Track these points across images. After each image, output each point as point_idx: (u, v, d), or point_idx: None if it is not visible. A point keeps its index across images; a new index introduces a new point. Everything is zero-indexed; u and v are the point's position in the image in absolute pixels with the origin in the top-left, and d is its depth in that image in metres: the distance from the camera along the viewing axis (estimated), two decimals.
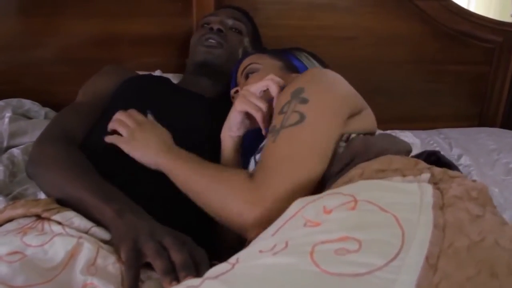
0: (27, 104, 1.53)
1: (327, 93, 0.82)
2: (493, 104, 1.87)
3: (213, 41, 1.29)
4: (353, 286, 0.47)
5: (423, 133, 1.70)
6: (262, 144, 0.95)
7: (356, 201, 0.58)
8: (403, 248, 0.50)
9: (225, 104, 1.20)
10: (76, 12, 1.58)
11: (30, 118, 1.52)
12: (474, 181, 0.65)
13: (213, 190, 0.78)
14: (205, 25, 1.36)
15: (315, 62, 1.16)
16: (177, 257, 0.68)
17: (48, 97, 1.59)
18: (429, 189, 0.61)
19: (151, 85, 1.19)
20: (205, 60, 1.28)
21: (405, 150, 0.83)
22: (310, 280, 0.48)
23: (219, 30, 1.31)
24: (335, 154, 0.78)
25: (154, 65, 1.61)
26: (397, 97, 1.80)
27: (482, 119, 1.89)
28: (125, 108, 1.05)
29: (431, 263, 0.49)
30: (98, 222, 0.78)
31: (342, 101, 0.84)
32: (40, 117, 1.53)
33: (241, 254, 0.56)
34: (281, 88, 0.91)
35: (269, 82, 0.91)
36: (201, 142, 1.04)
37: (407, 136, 1.59)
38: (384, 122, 1.69)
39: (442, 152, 1.53)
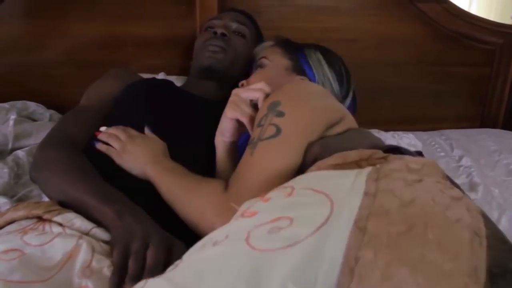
0: (32, 106, 1.54)
1: (302, 107, 0.84)
2: (494, 105, 1.87)
3: (216, 46, 1.29)
4: (284, 256, 0.48)
5: (424, 134, 1.71)
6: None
7: (293, 189, 0.60)
8: (332, 216, 0.51)
9: None
10: (80, 15, 1.59)
11: (35, 120, 1.52)
12: (419, 156, 0.66)
13: (190, 202, 0.81)
14: (209, 29, 1.36)
15: (324, 65, 1.15)
16: (149, 259, 0.71)
17: (53, 99, 1.59)
18: (367, 168, 0.62)
19: (154, 90, 1.19)
20: (210, 65, 1.28)
21: (371, 145, 0.81)
22: (245, 260, 0.49)
23: (223, 35, 1.30)
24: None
25: (158, 67, 1.62)
26: (399, 99, 1.81)
27: (483, 121, 1.89)
28: (128, 112, 1.06)
29: (360, 226, 0.50)
30: (99, 223, 0.79)
31: (318, 114, 0.85)
32: (45, 119, 1.53)
33: (186, 254, 0.58)
34: None
35: (259, 94, 0.92)
36: (202, 146, 1.05)
37: (409, 138, 1.60)
38: (386, 123, 1.71)
39: (442, 153, 1.55)
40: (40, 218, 0.80)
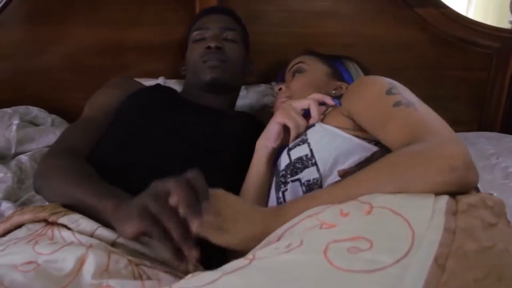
0: (34, 111, 1.55)
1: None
2: (492, 109, 1.88)
3: (215, 61, 1.27)
4: (364, 281, 0.49)
5: None
6: (298, 140, 0.95)
7: (372, 207, 0.60)
8: (412, 248, 0.52)
9: (234, 115, 1.24)
10: (81, 21, 1.61)
11: (37, 125, 1.53)
12: (490, 194, 0.66)
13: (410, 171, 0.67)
14: (200, 41, 1.33)
15: (361, 73, 1.19)
16: (176, 200, 0.64)
17: (55, 104, 1.61)
18: (444, 197, 0.62)
19: (157, 99, 1.20)
20: (212, 80, 1.27)
21: None
22: (324, 275, 0.50)
23: (217, 48, 1.28)
24: None
25: (158, 71, 1.63)
26: None
27: (481, 124, 1.89)
28: (131, 122, 1.07)
29: (440, 263, 0.50)
30: (104, 223, 0.80)
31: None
32: (47, 124, 1.54)
33: (257, 252, 0.58)
34: (323, 103, 0.93)
35: (311, 102, 0.93)
36: (209, 154, 1.05)
37: None
38: None
39: None
40: (46, 221, 0.81)
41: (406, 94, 0.82)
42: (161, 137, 1.05)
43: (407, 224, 0.55)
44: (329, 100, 0.97)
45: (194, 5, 1.62)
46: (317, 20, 1.70)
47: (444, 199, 0.61)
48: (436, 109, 1.80)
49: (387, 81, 0.87)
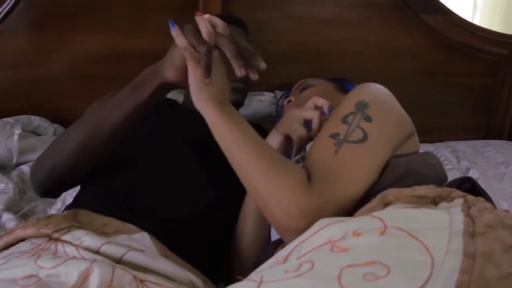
0: (37, 120, 1.54)
1: (389, 115, 0.83)
2: (500, 116, 1.87)
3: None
4: None
5: (430, 146, 1.70)
6: (298, 157, 0.94)
7: (385, 226, 0.58)
8: (432, 275, 0.50)
9: None
10: (84, 29, 1.60)
11: (39, 134, 1.52)
12: (506, 211, 0.64)
13: (268, 178, 0.72)
14: None
15: None
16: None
17: (57, 113, 1.59)
18: (459, 216, 0.60)
19: (157, 112, 1.17)
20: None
21: (441, 178, 0.82)
22: None
23: None
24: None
25: None
26: (405, 110, 1.79)
27: (489, 131, 1.88)
28: (131, 133, 1.05)
29: None
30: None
31: (402, 125, 0.85)
32: (49, 134, 1.53)
33: (265, 273, 0.56)
34: (329, 112, 0.91)
35: (315, 116, 0.91)
36: (218, 159, 1.03)
37: None
38: None
39: (450, 166, 1.54)
40: (50, 237, 0.79)
41: (363, 125, 0.78)
42: (165, 150, 1.02)
43: (425, 249, 0.53)
44: (325, 108, 0.95)
45: None
46: (323, 27, 1.69)
47: (459, 218, 0.59)
48: (444, 116, 1.84)
49: (359, 101, 0.82)
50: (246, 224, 0.94)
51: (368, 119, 0.79)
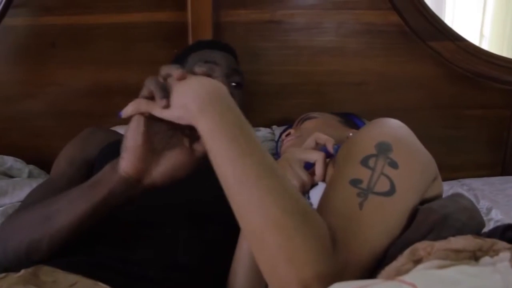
0: (10, 161, 1.46)
1: (415, 159, 0.74)
2: None
3: None
4: None
5: (444, 185, 1.54)
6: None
7: None
8: None
9: None
10: (64, 61, 1.53)
11: (12, 176, 1.44)
12: None
13: (290, 239, 0.58)
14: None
15: None
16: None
17: (34, 153, 1.52)
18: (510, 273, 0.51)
19: None
20: None
21: (480, 224, 0.73)
22: None
23: None
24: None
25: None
26: None
27: (505, 167, 1.77)
28: None
29: None
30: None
31: (428, 169, 0.76)
32: (23, 175, 1.45)
33: None
34: (335, 151, 0.83)
35: (319, 159, 0.82)
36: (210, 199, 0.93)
37: None
38: None
39: None
40: None
41: (389, 172, 0.69)
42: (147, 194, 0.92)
43: None
44: (330, 147, 0.84)
45: (187, 43, 1.53)
46: (323, 57, 1.62)
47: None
48: (455, 152, 1.72)
49: (380, 142, 0.72)
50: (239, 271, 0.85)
51: (394, 164, 0.70)
